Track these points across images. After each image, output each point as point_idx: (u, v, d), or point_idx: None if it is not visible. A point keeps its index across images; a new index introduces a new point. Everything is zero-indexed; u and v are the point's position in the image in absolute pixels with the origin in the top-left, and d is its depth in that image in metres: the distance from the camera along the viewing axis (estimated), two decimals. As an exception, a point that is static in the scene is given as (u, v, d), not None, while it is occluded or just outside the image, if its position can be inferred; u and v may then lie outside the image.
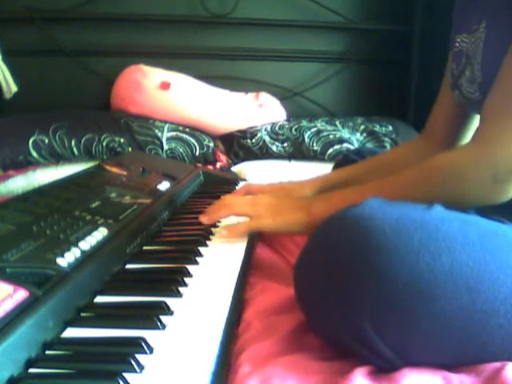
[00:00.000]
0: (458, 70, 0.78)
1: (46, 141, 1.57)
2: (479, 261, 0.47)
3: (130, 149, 1.65)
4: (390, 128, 1.87)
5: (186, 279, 0.60)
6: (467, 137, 0.90)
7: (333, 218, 0.54)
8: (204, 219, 0.79)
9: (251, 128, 1.86)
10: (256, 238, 0.83)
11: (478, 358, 0.50)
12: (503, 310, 0.47)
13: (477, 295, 0.46)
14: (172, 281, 0.59)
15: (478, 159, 0.61)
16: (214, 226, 0.84)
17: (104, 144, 1.63)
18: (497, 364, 0.49)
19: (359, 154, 1.11)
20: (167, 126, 1.78)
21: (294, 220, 0.72)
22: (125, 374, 0.40)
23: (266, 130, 1.83)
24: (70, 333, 0.48)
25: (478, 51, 0.71)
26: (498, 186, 0.61)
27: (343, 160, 1.15)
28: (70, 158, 1.60)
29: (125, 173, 0.98)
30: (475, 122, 0.88)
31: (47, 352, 0.45)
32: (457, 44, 0.79)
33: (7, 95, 1.78)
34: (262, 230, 0.76)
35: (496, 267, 0.47)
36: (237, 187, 1.15)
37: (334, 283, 0.50)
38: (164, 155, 1.68)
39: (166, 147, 1.70)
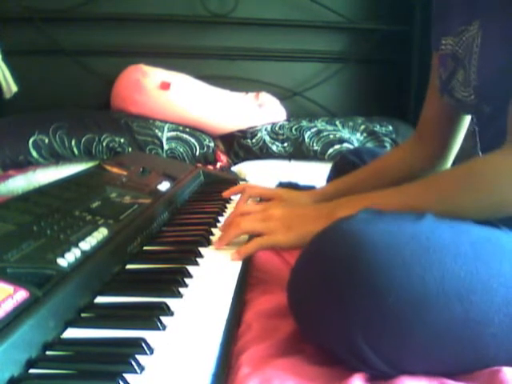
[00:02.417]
0: (446, 73, 0.77)
1: (46, 141, 1.57)
2: (471, 271, 0.47)
3: (129, 149, 1.65)
4: (390, 128, 1.88)
5: (187, 280, 0.60)
6: (457, 135, 0.90)
7: (325, 230, 0.54)
8: (218, 246, 0.73)
9: (251, 128, 1.86)
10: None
11: (472, 368, 0.49)
12: (497, 320, 0.46)
13: (469, 305, 0.46)
14: (172, 281, 0.59)
15: None
16: (215, 226, 0.84)
17: (104, 144, 1.63)
18: (492, 368, 0.49)
19: (357, 155, 1.11)
20: (167, 125, 1.78)
21: (312, 231, 0.64)
22: (125, 375, 0.40)
23: (266, 129, 1.83)
24: (71, 333, 0.48)
25: (471, 53, 0.69)
26: None
27: (341, 160, 1.15)
28: (70, 158, 1.60)
29: (125, 173, 0.98)
30: (465, 121, 0.88)
31: (47, 352, 0.45)
32: (442, 47, 0.78)
33: (7, 95, 1.78)
34: (275, 247, 0.71)
35: (489, 276, 0.47)
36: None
37: (326, 297, 0.50)
38: (164, 155, 1.68)
39: (166, 147, 1.70)
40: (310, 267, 0.53)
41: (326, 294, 0.49)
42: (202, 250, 0.71)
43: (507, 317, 0.46)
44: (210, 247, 0.74)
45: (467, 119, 0.88)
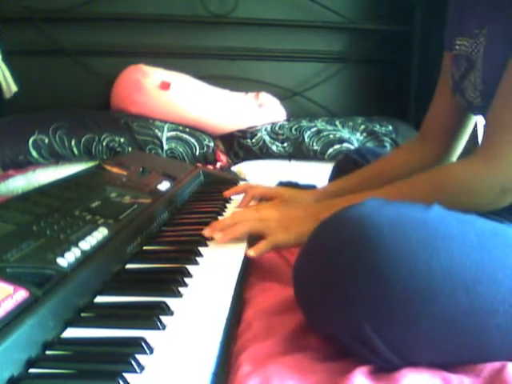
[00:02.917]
0: (459, 73, 0.77)
1: (46, 141, 1.57)
2: (477, 261, 0.47)
3: (129, 149, 1.65)
4: (390, 128, 1.88)
5: (186, 279, 0.60)
6: (463, 137, 0.90)
7: (331, 218, 0.54)
8: (218, 236, 0.74)
9: (251, 128, 1.86)
10: (256, 239, 0.83)
11: (477, 358, 0.50)
12: (502, 310, 0.47)
13: (475, 295, 0.46)
14: (172, 281, 0.59)
15: (486, 174, 0.64)
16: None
17: (104, 144, 1.63)
18: (496, 364, 0.49)
19: (359, 154, 1.11)
20: (167, 125, 1.78)
21: (307, 231, 0.68)
22: (125, 375, 0.40)
23: (265, 129, 1.83)
24: (70, 333, 0.48)
25: (479, 57, 0.70)
26: (505, 196, 0.64)
27: (344, 159, 1.15)
28: (70, 158, 1.60)
29: (125, 173, 0.98)
30: (470, 123, 0.89)
31: (47, 352, 0.45)
32: (457, 47, 0.79)
33: (7, 95, 1.78)
34: (280, 246, 0.74)
35: (494, 267, 0.48)
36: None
37: (333, 283, 0.50)
38: (164, 155, 1.68)
39: (165, 147, 1.70)
40: (315, 256, 0.53)
41: (333, 282, 0.50)
42: (201, 249, 0.71)
43: None
44: (210, 247, 0.74)
45: (472, 122, 0.89)
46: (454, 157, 0.92)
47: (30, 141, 1.55)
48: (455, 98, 0.81)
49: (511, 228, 0.57)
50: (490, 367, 0.49)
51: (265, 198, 0.97)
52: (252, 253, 0.71)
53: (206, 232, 0.76)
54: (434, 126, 0.92)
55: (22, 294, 0.46)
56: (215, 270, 0.66)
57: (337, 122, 1.89)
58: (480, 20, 0.72)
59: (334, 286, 0.50)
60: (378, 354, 0.49)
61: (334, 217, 0.54)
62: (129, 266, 0.66)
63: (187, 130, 1.80)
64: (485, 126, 0.69)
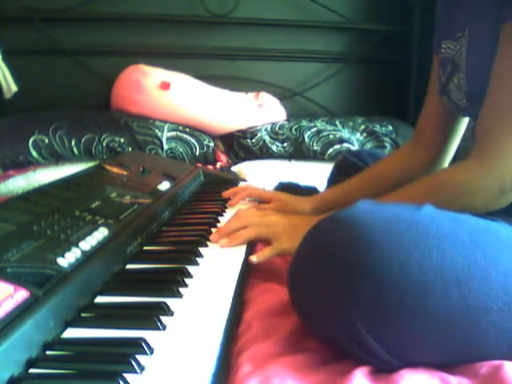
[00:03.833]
0: (445, 76, 0.79)
1: (46, 141, 1.57)
2: (469, 258, 0.47)
3: (130, 149, 1.65)
4: (390, 128, 1.88)
5: (187, 280, 0.60)
6: (456, 138, 0.91)
7: (324, 220, 0.55)
8: (224, 242, 0.75)
9: (251, 128, 1.86)
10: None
11: (473, 357, 0.49)
12: (496, 308, 0.47)
13: (468, 292, 0.46)
14: (172, 281, 0.59)
15: (484, 174, 0.64)
16: (215, 226, 0.84)
17: (104, 144, 1.63)
18: (494, 363, 0.49)
19: (358, 156, 1.12)
20: (167, 125, 1.78)
21: None
22: (125, 375, 0.40)
23: (266, 129, 1.83)
24: (71, 333, 0.48)
25: (462, 59, 0.72)
26: (504, 196, 0.64)
27: (342, 162, 1.16)
28: (70, 158, 1.61)
29: (125, 173, 0.98)
30: (463, 124, 0.89)
31: (47, 352, 0.45)
32: (442, 50, 0.80)
33: (7, 95, 1.78)
34: (285, 254, 0.75)
35: (487, 264, 0.47)
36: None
37: (326, 284, 0.50)
38: (164, 155, 1.68)
39: (166, 147, 1.70)
40: (308, 257, 0.53)
41: (326, 283, 0.50)
42: (201, 249, 0.71)
43: (506, 305, 0.47)
44: (210, 247, 0.74)
45: (465, 122, 0.89)
46: (449, 155, 0.93)
47: (30, 141, 1.55)
48: (442, 100, 0.81)
49: (504, 226, 0.57)
50: (487, 367, 0.49)
51: (262, 200, 0.97)
52: (255, 259, 0.72)
53: (213, 237, 0.76)
54: (427, 126, 0.92)
55: (22, 294, 0.46)
56: (215, 271, 0.66)
57: (337, 122, 1.89)
58: (462, 23, 0.73)
59: (327, 286, 0.50)
60: (374, 355, 0.49)
61: (326, 219, 0.54)
62: (129, 266, 0.66)
63: (187, 129, 1.80)
64: (477, 127, 0.69)
